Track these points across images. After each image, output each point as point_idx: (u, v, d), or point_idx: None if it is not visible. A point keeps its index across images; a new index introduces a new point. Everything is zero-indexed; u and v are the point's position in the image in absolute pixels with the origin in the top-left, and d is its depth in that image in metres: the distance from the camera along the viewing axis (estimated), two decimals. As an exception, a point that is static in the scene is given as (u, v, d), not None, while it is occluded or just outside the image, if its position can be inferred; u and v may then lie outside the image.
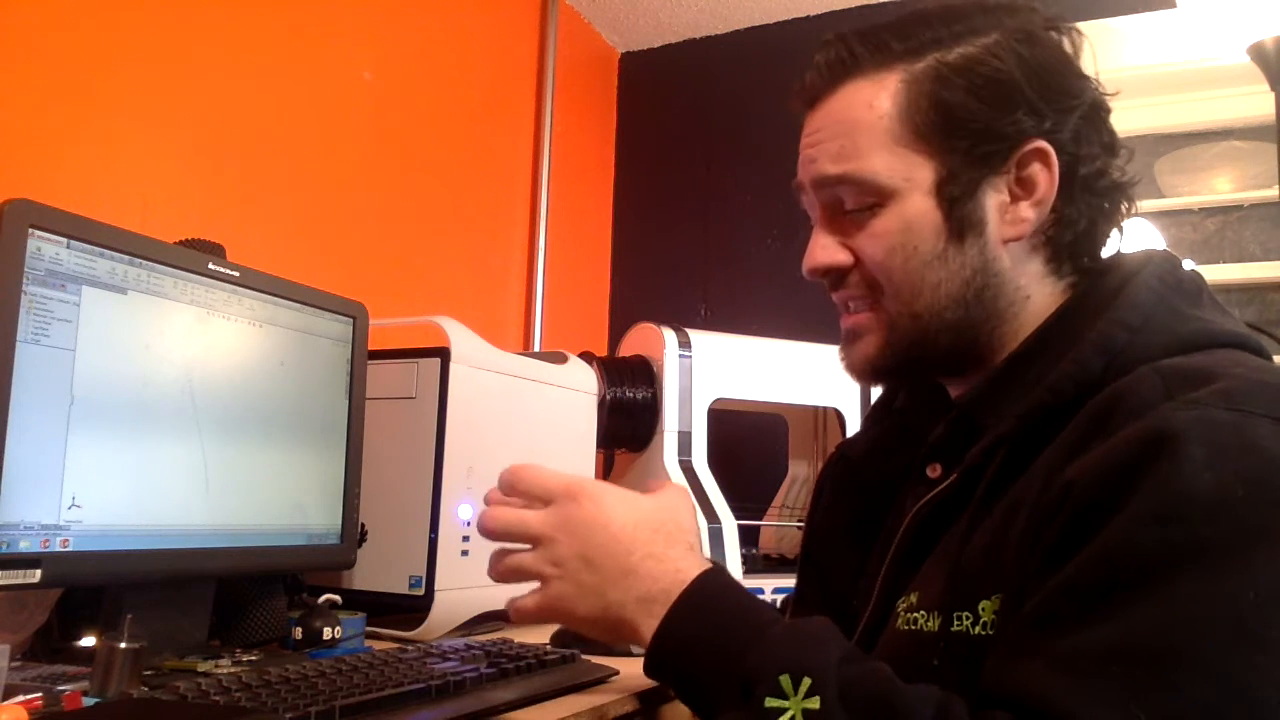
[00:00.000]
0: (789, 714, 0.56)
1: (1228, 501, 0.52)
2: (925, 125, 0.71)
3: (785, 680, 0.57)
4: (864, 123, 0.73)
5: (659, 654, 0.65)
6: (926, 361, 0.75)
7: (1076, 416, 0.62)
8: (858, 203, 0.73)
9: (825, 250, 0.76)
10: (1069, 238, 0.73)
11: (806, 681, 0.56)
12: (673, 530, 0.70)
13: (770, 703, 0.56)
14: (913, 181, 0.72)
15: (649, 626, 0.65)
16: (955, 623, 0.64)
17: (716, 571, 0.68)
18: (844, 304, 0.78)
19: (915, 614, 0.68)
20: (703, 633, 0.63)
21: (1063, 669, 0.52)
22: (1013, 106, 0.70)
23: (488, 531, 0.73)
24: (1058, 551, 0.57)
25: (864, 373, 0.78)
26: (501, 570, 0.73)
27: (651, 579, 0.66)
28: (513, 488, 0.73)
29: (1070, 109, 0.71)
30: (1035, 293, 0.73)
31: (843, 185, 0.74)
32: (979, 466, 0.68)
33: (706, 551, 0.89)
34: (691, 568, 0.67)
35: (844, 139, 0.73)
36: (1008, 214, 0.72)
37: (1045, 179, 0.71)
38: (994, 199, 0.72)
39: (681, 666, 0.64)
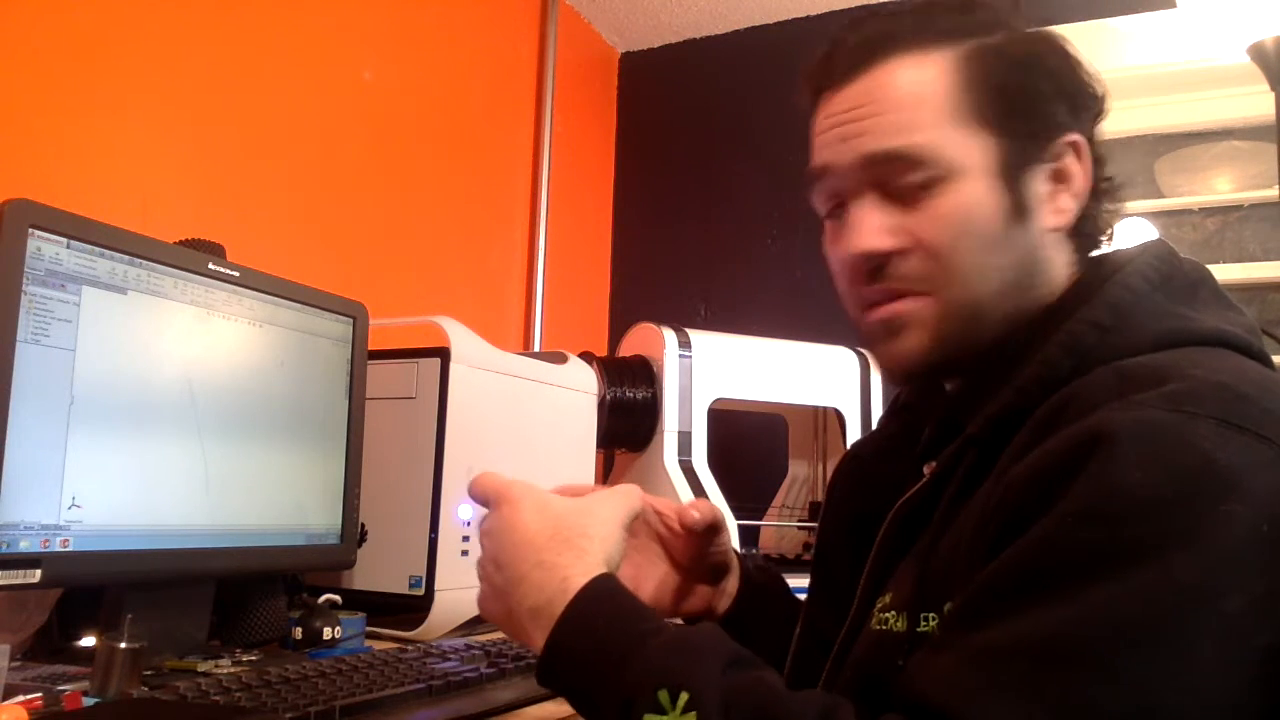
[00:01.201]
0: None
1: (1154, 501, 0.51)
2: (983, 103, 0.69)
3: (664, 695, 0.54)
4: (920, 97, 0.69)
5: (547, 670, 0.62)
6: (973, 353, 0.71)
7: (1032, 417, 0.61)
8: (915, 180, 0.69)
9: (877, 234, 0.70)
10: (1089, 231, 0.72)
11: (684, 696, 0.54)
12: (569, 535, 0.66)
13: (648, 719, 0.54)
14: (973, 160, 0.69)
15: (538, 640, 0.63)
16: (921, 624, 0.64)
17: (603, 580, 0.64)
18: (886, 294, 0.71)
19: (887, 614, 0.68)
20: (585, 647, 0.61)
21: (967, 665, 0.52)
22: (1056, 96, 0.70)
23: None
24: (990, 552, 0.56)
25: (909, 369, 0.72)
26: None
27: (537, 590, 0.64)
28: (470, 491, 0.73)
29: (1093, 108, 0.72)
30: (1058, 288, 0.72)
31: (901, 161, 0.69)
32: (950, 468, 0.68)
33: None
34: (579, 575, 0.63)
35: (898, 114, 0.69)
36: (1051, 203, 0.71)
37: (1079, 171, 0.71)
38: (1040, 186, 0.71)
39: (568, 683, 0.62)
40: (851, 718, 0.54)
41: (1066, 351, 0.64)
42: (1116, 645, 0.49)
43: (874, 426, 0.96)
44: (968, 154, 0.69)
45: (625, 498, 0.72)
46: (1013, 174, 0.69)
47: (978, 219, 0.69)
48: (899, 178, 0.69)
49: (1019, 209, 0.70)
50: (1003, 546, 0.55)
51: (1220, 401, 0.54)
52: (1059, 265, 0.72)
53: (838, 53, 0.72)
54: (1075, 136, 0.70)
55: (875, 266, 0.70)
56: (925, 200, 0.69)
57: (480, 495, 0.71)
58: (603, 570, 0.64)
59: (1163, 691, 0.48)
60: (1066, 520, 0.53)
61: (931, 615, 0.63)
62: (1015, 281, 0.70)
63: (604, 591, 0.63)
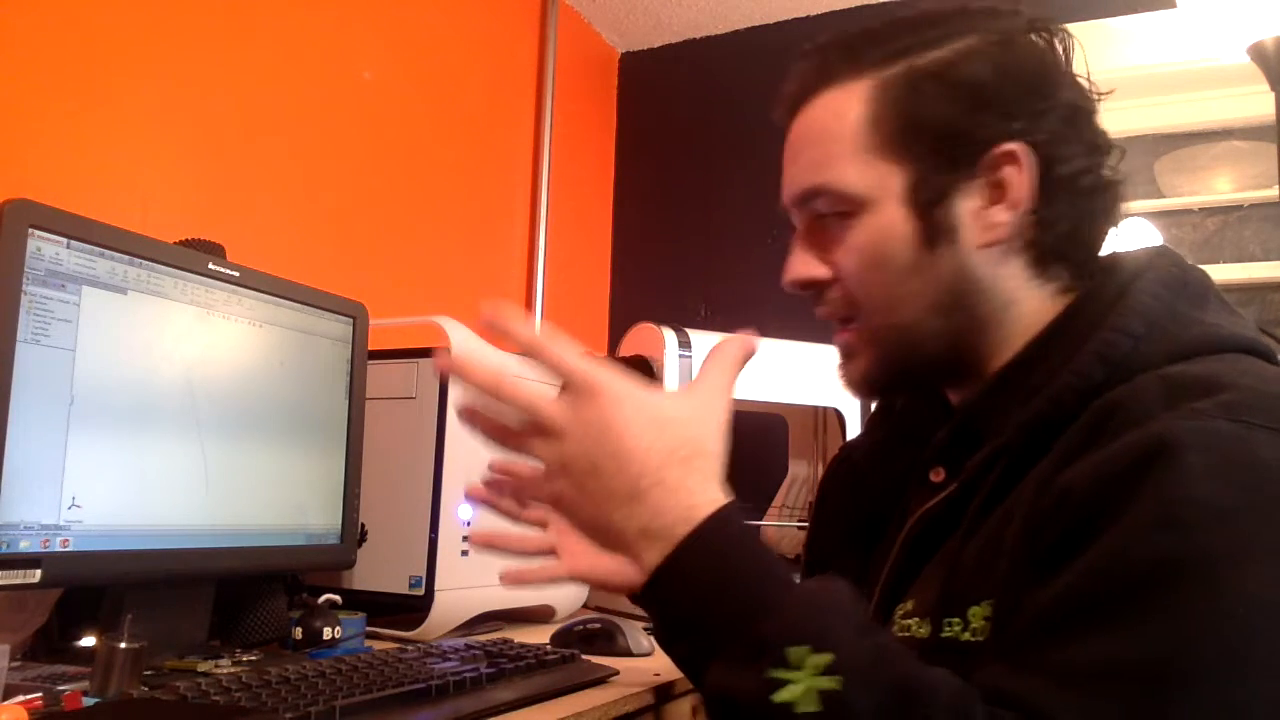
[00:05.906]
0: (801, 686, 0.51)
1: (1226, 511, 0.52)
2: (894, 132, 0.70)
3: (802, 653, 0.52)
4: (833, 132, 0.72)
5: (656, 591, 0.59)
6: (920, 371, 0.75)
7: (1074, 424, 0.61)
8: (830, 215, 0.73)
9: (805, 264, 0.75)
10: (1050, 240, 0.71)
11: (827, 657, 0.52)
12: (690, 454, 0.63)
13: (777, 673, 0.52)
14: (885, 190, 0.70)
15: (649, 561, 0.59)
16: (945, 629, 0.64)
17: (729, 512, 0.61)
18: (830, 319, 0.77)
19: (909, 621, 0.68)
20: (712, 578, 0.58)
21: (1062, 684, 0.52)
22: (982, 110, 0.69)
23: (500, 392, 0.65)
24: (1054, 557, 0.56)
25: (862, 390, 0.77)
26: (503, 438, 0.67)
27: (656, 512, 0.60)
28: (530, 355, 0.64)
29: (1045, 111, 0.70)
30: (1022, 297, 0.72)
31: (818, 197, 0.73)
32: (979, 476, 0.68)
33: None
34: (704, 504, 0.60)
35: (815, 149, 0.73)
36: (981, 219, 0.70)
37: (1018, 181, 0.69)
38: (966, 204, 0.70)
39: (680, 609, 0.59)
40: (980, 711, 0.52)
41: (1100, 360, 0.64)
42: (1206, 663, 0.49)
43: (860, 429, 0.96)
44: (877, 185, 0.71)
45: (720, 405, 0.68)
46: (926, 200, 0.70)
47: (888, 250, 0.71)
48: (820, 211, 0.73)
49: (936, 233, 0.70)
50: (1068, 552, 0.55)
51: (1271, 411, 0.55)
52: (1010, 278, 0.71)
53: (787, 87, 0.76)
54: (1011, 146, 0.69)
55: (814, 292, 0.75)
56: (843, 233, 0.73)
57: (550, 366, 0.64)
58: (728, 498, 0.62)
59: (1251, 705, 0.49)
60: (1140, 528, 0.53)
61: (955, 620, 0.63)
62: (941, 304, 0.71)
63: (735, 523, 0.61)
